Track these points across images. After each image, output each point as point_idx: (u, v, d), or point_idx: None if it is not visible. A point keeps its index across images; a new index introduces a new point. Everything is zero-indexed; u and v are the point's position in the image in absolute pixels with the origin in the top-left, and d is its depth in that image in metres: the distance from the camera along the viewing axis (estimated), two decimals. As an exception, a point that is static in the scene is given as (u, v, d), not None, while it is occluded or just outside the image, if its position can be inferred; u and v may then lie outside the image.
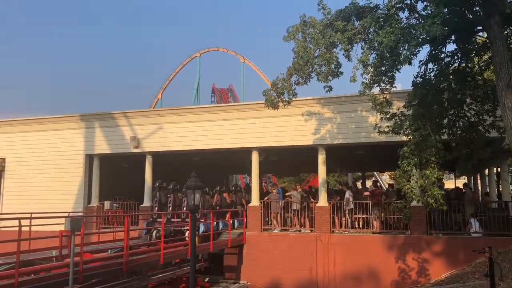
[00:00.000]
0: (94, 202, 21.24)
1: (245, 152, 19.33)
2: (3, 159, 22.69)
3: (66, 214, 16.54)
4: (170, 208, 18.35)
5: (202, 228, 16.72)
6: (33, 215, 13.76)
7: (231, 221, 19.50)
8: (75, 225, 9.67)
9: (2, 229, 12.45)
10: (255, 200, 18.81)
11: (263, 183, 45.25)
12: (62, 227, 10.86)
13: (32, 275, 10.14)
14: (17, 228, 9.82)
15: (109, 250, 13.46)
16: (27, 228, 12.64)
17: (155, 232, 16.71)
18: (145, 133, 20.51)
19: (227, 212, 19.16)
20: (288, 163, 25.79)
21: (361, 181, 34.80)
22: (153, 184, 19.84)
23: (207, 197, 19.71)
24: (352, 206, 17.61)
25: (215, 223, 18.20)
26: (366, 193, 18.23)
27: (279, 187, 20.63)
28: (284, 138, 18.22)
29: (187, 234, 16.07)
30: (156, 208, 19.00)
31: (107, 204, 20.94)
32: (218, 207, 19.59)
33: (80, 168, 21.44)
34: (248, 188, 22.49)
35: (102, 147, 21.20)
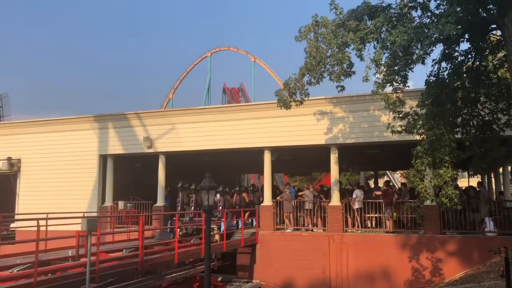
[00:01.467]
0: (108, 202, 21.42)
1: (257, 152, 19.39)
2: (19, 160, 22.97)
3: (81, 215, 16.72)
4: (193, 208, 18.75)
5: (222, 227, 17.05)
6: (49, 216, 13.91)
7: (250, 220, 19.79)
8: (92, 225, 9.81)
9: (19, 229, 12.62)
10: (267, 200, 18.86)
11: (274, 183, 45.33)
12: (77, 227, 11.00)
13: (50, 274, 10.29)
14: (34, 228, 9.94)
15: (124, 250, 13.60)
16: (43, 228, 12.80)
17: (178, 230, 17.02)
18: (158, 134, 20.66)
19: (247, 211, 19.52)
20: (300, 162, 25.78)
21: (373, 180, 34.70)
22: (175, 184, 20.26)
23: (227, 197, 20.04)
24: (360, 205, 17.56)
25: (235, 221, 18.65)
26: (378, 193, 18.17)
27: (291, 187, 20.65)
28: (297, 137, 18.24)
29: (211, 232, 16.44)
30: (179, 208, 19.43)
31: (121, 204, 21.12)
32: (237, 207, 19.87)
33: (94, 168, 21.63)
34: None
35: (115, 147, 21.37)
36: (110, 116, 21.67)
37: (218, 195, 19.56)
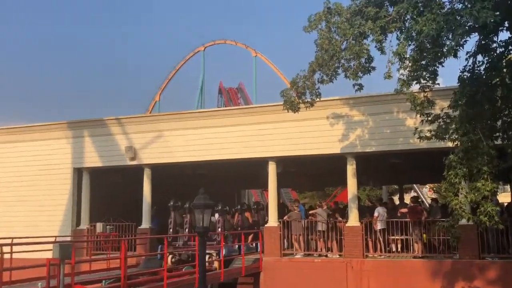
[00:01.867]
0: (84, 224, 21.43)
1: (260, 163, 19.42)
2: (-24, 176, 22.90)
3: (53, 239, 16.68)
4: (187, 230, 18.76)
5: (224, 251, 17.20)
6: (15, 241, 13.88)
7: (254, 244, 19.87)
8: (65, 252, 9.79)
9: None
10: (272, 220, 18.84)
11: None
12: (47, 254, 10.94)
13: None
14: (-3, 256, 9.89)
15: (103, 281, 13.57)
16: (7, 256, 12.74)
17: (170, 257, 16.96)
18: (142, 143, 20.75)
19: (250, 233, 19.67)
20: (311, 175, 25.85)
21: (398, 195, 34.64)
22: (163, 202, 20.48)
23: (227, 217, 20.12)
24: (384, 225, 17.53)
25: (236, 246, 18.63)
26: (404, 210, 18.14)
27: (300, 204, 20.68)
28: (306, 145, 18.27)
29: (209, 258, 16.43)
30: (171, 230, 19.55)
31: (99, 226, 21.05)
32: (239, 228, 19.95)
33: (68, 184, 21.66)
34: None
35: (92, 159, 21.44)
36: (85, 122, 21.74)
37: (216, 215, 19.64)
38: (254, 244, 20.08)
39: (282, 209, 21.26)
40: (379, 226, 17.59)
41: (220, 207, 19.56)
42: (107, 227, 21.29)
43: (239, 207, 21.43)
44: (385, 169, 23.67)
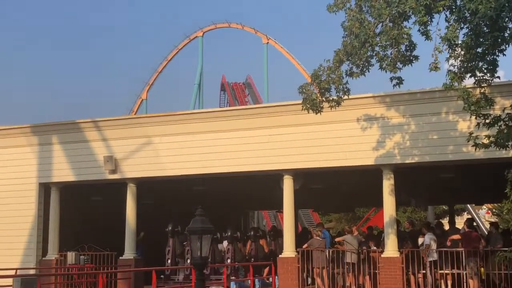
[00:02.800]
0: (53, 253, 21.30)
1: (273, 178, 19.30)
2: None
3: (13, 272, 16.69)
4: (189, 261, 18.79)
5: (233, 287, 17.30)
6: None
7: (269, 279, 19.99)
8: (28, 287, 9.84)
9: None
10: (289, 249, 18.72)
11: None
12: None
13: None
14: None
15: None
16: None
17: None
18: (126, 152, 20.66)
19: (266, 265, 19.79)
20: (337, 193, 25.64)
21: (447, 218, 34.42)
22: (152, 226, 20.96)
23: (238, 245, 20.22)
24: (435, 256, 17.45)
25: (249, 281, 18.73)
26: (456, 237, 17.98)
27: (324, 229, 20.60)
28: (331, 155, 18.13)
29: None
30: (169, 261, 19.70)
31: (71, 256, 20.89)
32: (253, 259, 20.00)
33: (32, 203, 21.53)
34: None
35: (63, 172, 21.33)
36: (54, 126, 21.63)
37: (225, 243, 19.60)
38: (269, 279, 20.07)
39: (305, 236, 21.16)
40: (429, 258, 17.50)
41: (229, 233, 19.62)
42: (81, 257, 21.09)
43: (252, 233, 21.52)
44: (432, 185, 23.40)
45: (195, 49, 55.74)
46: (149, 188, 21.46)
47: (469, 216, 44.01)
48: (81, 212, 22.38)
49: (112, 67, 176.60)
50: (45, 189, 21.83)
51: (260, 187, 22.17)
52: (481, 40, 10.62)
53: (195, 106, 53.62)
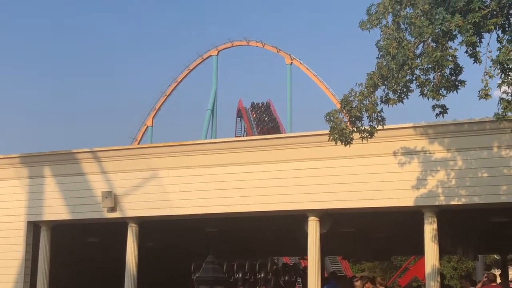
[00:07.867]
0: (42, 303, 21.25)
1: (296, 219, 18.93)
2: None
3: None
4: None
5: None
6: None
7: None
8: None
9: None
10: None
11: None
12: None
13: None
14: None
15: None
16: None
17: None
18: (127, 187, 20.32)
19: None
20: (369, 238, 25.60)
21: (499, 270, 34.26)
22: (158, 274, 20.28)
23: None
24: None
25: None
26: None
27: (356, 278, 19.88)
28: (363, 194, 17.67)
29: None
30: None
31: (63, 308, 20.92)
32: None
33: (19, 244, 21.14)
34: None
35: (55, 209, 20.95)
36: (46, 156, 21.57)
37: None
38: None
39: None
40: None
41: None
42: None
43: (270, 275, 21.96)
44: (482, 231, 23.64)
45: (208, 70, 55.64)
46: (154, 229, 21.24)
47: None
48: (75, 255, 22.26)
49: (122, 89, 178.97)
50: (34, 228, 21.44)
51: (280, 230, 22.15)
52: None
53: (207, 135, 53.66)
